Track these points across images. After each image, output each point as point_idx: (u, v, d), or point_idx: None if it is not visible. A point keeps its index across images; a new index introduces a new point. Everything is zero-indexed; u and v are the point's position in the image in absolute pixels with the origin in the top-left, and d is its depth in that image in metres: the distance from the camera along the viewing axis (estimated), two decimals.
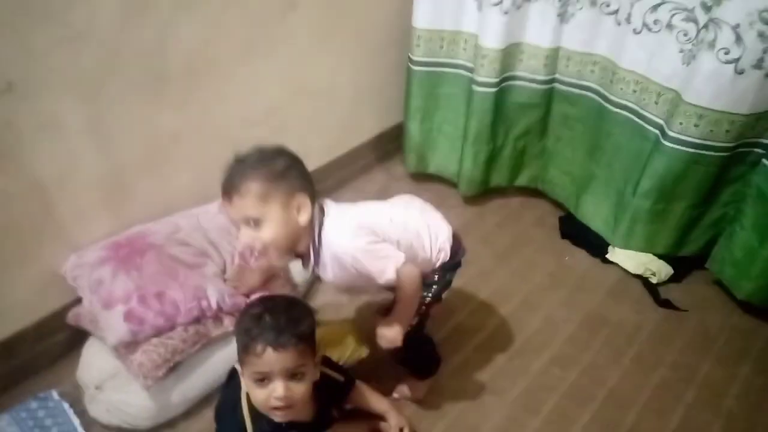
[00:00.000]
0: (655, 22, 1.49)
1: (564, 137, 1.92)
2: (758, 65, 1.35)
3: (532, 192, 2.16)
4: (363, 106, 2.16)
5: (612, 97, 1.69)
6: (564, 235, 2.01)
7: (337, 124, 2.08)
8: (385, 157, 2.31)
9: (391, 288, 1.21)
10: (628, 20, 1.56)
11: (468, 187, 2.07)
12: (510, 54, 1.80)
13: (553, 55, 1.78)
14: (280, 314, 1.06)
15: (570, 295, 1.79)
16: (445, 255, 1.28)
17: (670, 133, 1.52)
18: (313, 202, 1.15)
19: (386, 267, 1.14)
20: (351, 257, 1.13)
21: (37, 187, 1.33)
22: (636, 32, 1.55)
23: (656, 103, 1.56)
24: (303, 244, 1.16)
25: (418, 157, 2.14)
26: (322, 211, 1.17)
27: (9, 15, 1.15)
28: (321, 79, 1.93)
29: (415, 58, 1.94)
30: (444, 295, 1.33)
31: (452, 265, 1.32)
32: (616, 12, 1.59)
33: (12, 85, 1.20)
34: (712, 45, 1.36)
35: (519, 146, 2.01)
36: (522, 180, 2.12)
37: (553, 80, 1.84)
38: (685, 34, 1.45)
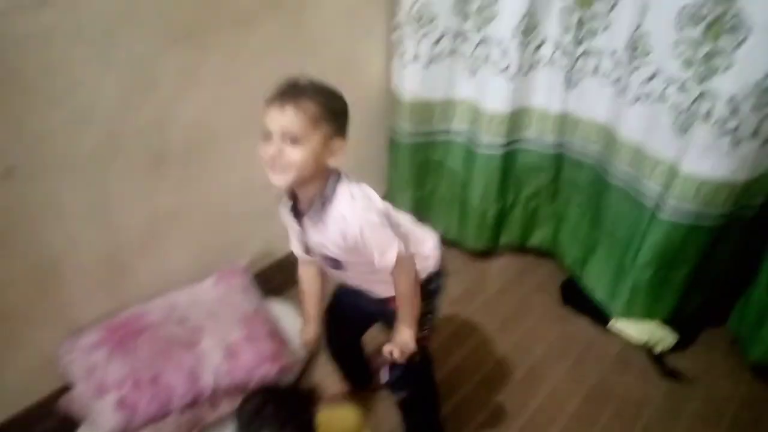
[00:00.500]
0: (649, 93, 1.51)
1: (573, 202, 1.92)
2: (755, 134, 1.36)
3: (536, 252, 2.15)
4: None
5: (611, 167, 1.70)
6: (566, 301, 1.98)
7: None
8: None
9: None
10: (625, 90, 1.58)
11: (475, 242, 2.07)
12: (517, 117, 1.83)
13: (561, 121, 1.81)
14: (281, 405, 1.03)
15: (574, 367, 1.75)
16: (434, 263, 1.29)
17: (668, 204, 1.52)
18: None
19: (390, 248, 1.12)
20: (359, 227, 1.10)
21: (35, 270, 1.31)
22: (632, 103, 1.56)
23: (652, 174, 1.57)
24: (311, 188, 1.12)
25: None
26: (339, 174, 1.14)
27: (11, 101, 1.16)
28: None
29: (403, 131, 1.96)
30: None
31: (437, 288, 1.32)
32: (617, 81, 1.62)
33: (12, 170, 1.20)
34: (707, 117, 1.37)
35: (531, 207, 2.02)
36: (535, 240, 2.12)
37: (561, 145, 1.86)
38: (678, 106, 1.47)
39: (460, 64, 1.86)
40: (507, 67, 1.74)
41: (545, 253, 2.13)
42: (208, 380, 1.38)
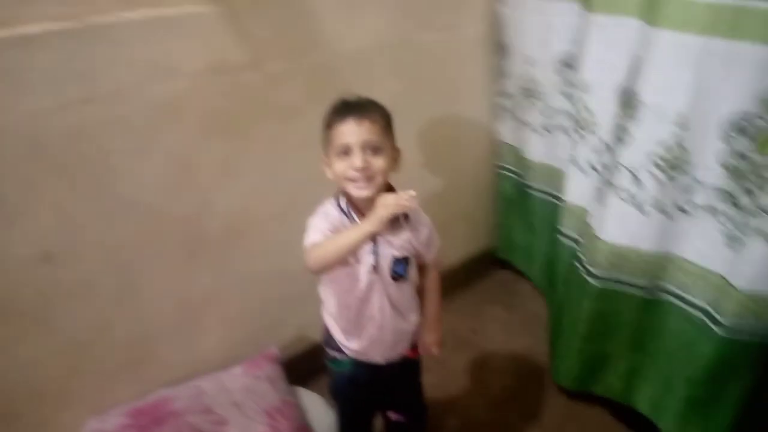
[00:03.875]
0: (693, 205, 1.40)
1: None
2: None
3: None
4: None
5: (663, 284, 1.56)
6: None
7: None
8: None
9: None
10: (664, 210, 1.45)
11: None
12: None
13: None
14: None
15: None
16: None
17: (720, 319, 1.37)
18: None
19: (438, 243, 1.31)
20: (429, 226, 1.28)
21: (65, 350, 1.35)
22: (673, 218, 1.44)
23: (704, 287, 1.43)
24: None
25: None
26: None
27: (53, 189, 1.22)
28: None
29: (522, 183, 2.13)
30: None
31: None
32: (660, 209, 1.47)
33: (50, 254, 1.25)
34: (759, 230, 1.26)
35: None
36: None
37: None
38: (728, 218, 1.35)
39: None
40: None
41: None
42: None
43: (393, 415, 1.50)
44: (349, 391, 1.39)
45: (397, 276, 1.22)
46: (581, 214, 1.74)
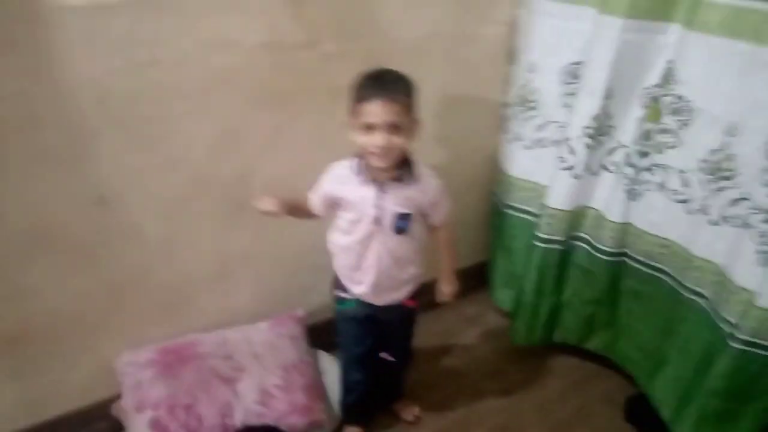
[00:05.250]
0: (730, 217, 1.42)
1: (635, 312, 1.81)
2: None
3: (608, 361, 2.02)
4: None
5: (686, 284, 1.59)
6: (628, 418, 1.84)
7: None
8: None
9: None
10: (704, 212, 1.49)
11: (523, 337, 2.01)
12: (577, 216, 1.78)
13: (622, 230, 1.72)
14: None
15: None
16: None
17: (743, 334, 1.39)
18: None
19: (447, 205, 1.45)
20: (437, 184, 1.40)
21: (110, 286, 1.49)
22: (710, 224, 1.48)
23: (727, 301, 1.45)
24: (395, 161, 1.32)
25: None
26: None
27: (113, 142, 1.36)
28: None
29: (504, 201, 2.05)
30: None
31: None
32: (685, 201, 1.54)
33: (104, 198, 1.39)
34: None
35: (587, 312, 1.92)
36: (592, 344, 2.00)
37: (622, 254, 1.76)
38: (762, 236, 1.35)
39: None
40: (572, 167, 1.70)
41: (614, 365, 1.98)
42: (237, 418, 1.47)
43: (384, 354, 1.64)
44: (352, 328, 1.54)
45: (400, 230, 1.35)
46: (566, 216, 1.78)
